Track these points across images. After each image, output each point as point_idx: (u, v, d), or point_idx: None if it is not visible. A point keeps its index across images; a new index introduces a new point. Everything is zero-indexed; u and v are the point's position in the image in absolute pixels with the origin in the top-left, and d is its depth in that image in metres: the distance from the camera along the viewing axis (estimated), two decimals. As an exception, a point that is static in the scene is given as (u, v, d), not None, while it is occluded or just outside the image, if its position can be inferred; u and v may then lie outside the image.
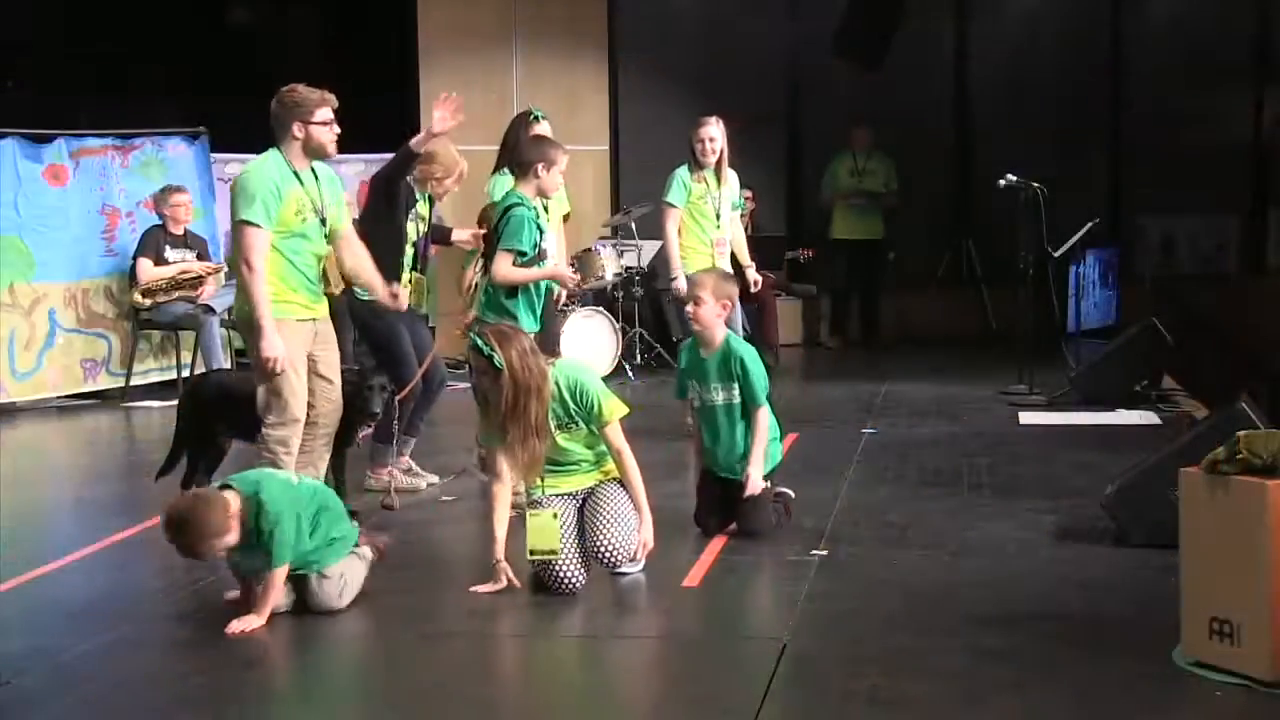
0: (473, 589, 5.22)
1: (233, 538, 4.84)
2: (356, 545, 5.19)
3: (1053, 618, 4.78)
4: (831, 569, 5.47)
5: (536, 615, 5.05)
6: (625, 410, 5.38)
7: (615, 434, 5.33)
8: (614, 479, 5.40)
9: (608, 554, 5.28)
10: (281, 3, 14.00)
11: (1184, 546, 4.28)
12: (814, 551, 5.69)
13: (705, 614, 5.11)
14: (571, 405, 5.24)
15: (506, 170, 7.23)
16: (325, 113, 5.84)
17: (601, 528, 5.26)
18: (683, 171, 8.13)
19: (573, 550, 5.21)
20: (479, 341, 5.15)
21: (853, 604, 5.05)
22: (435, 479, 7.18)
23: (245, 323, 5.85)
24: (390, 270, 6.61)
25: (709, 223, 8.14)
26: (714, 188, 8.14)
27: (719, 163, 8.12)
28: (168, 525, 4.84)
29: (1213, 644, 4.14)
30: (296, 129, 5.81)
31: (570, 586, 5.17)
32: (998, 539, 5.81)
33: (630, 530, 5.29)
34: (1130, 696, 4.06)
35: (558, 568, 5.16)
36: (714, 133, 8.05)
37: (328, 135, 5.85)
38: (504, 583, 5.22)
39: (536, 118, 7.49)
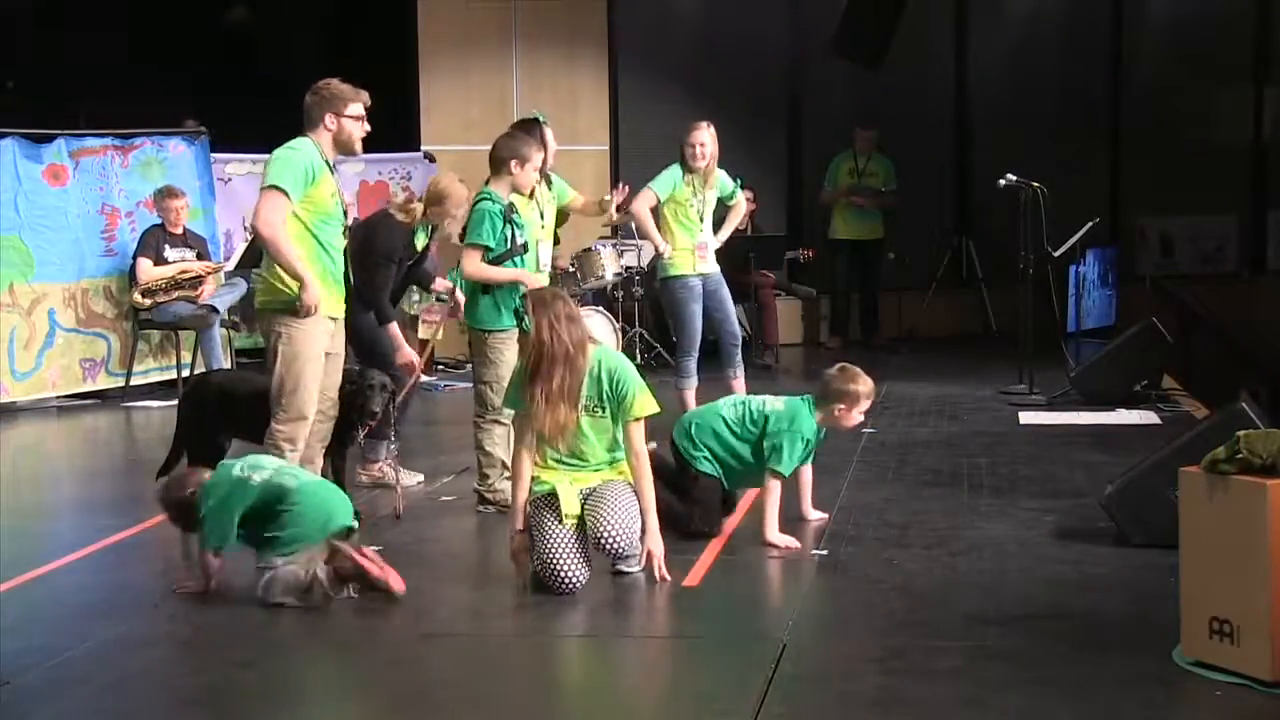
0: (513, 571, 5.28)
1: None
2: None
3: (1053, 618, 4.78)
4: (831, 569, 5.47)
5: (536, 615, 5.04)
6: (656, 409, 5.41)
7: (638, 434, 5.34)
8: (620, 477, 5.40)
9: (610, 541, 5.23)
10: (281, 3, 14.00)
11: (1184, 546, 4.28)
12: (814, 551, 5.69)
13: (705, 614, 5.10)
14: (605, 388, 5.27)
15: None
16: (357, 108, 5.91)
17: (604, 516, 5.24)
18: (676, 169, 8.16)
19: (574, 549, 5.21)
20: (518, 303, 5.29)
21: (853, 604, 5.06)
22: (421, 477, 7.20)
23: (272, 308, 5.87)
24: (385, 300, 6.97)
25: (694, 225, 8.17)
26: (700, 191, 8.16)
27: (707, 167, 8.14)
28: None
29: (1213, 644, 4.14)
30: (329, 120, 5.86)
31: (570, 586, 5.16)
32: (998, 539, 5.81)
33: (634, 520, 5.28)
34: (1130, 696, 4.05)
35: (558, 566, 5.15)
36: (704, 138, 8.07)
37: (357, 130, 5.91)
38: (522, 553, 5.24)
39: (540, 121, 7.47)
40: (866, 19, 11.72)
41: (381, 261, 6.96)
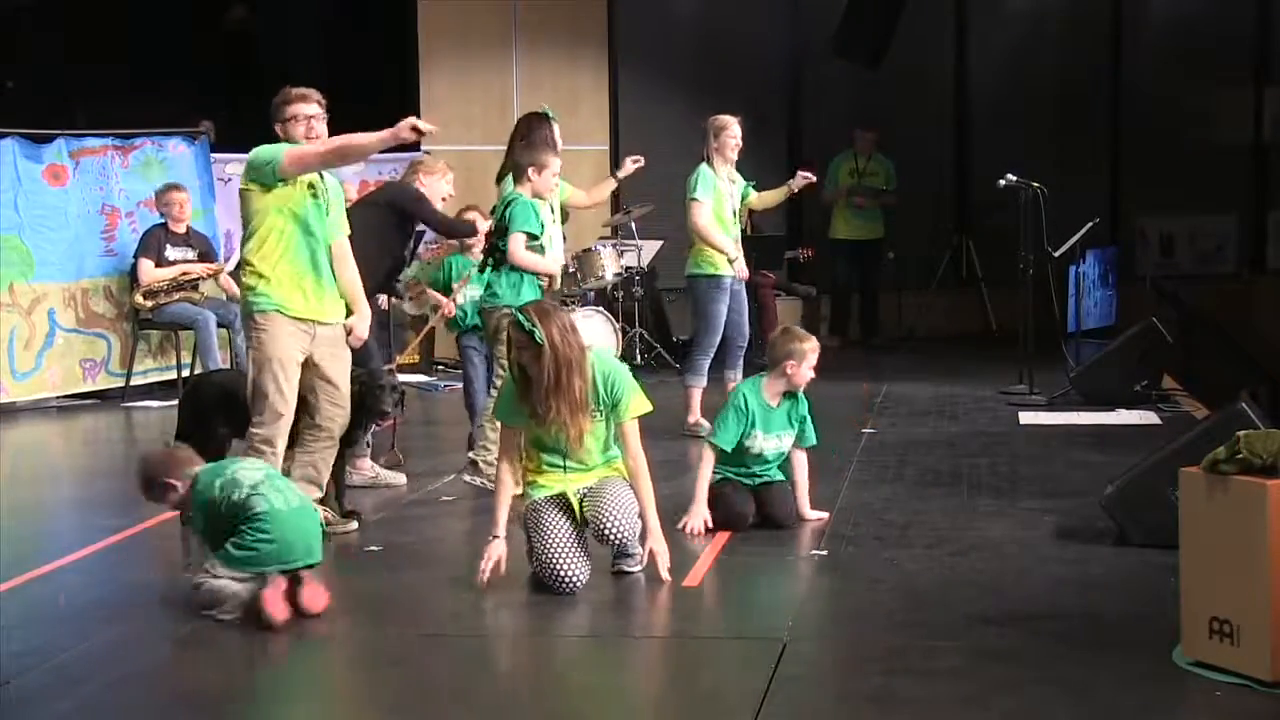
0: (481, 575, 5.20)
1: (173, 497, 5.14)
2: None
3: (1053, 618, 4.78)
4: (831, 569, 5.48)
5: (536, 615, 5.04)
6: (649, 408, 5.41)
7: (634, 434, 5.34)
8: (617, 474, 5.40)
9: (613, 530, 5.22)
10: (281, 3, 14.00)
11: (1184, 546, 4.28)
12: (814, 551, 5.70)
13: (705, 614, 5.11)
14: (602, 392, 5.27)
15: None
16: (297, 109, 5.81)
17: (604, 507, 5.23)
18: (708, 170, 8.13)
19: (574, 548, 5.21)
20: (520, 317, 5.19)
21: (853, 604, 5.06)
22: (404, 479, 7.21)
23: (245, 312, 5.93)
24: (382, 280, 7.01)
25: (731, 222, 8.18)
26: (730, 186, 8.17)
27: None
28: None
29: (1213, 644, 4.14)
30: (278, 129, 5.84)
31: (571, 586, 5.16)
32: (998, 539, 5.81)
33: (633, 510, 5.27)
34: (1130, 696, 4.05)
35: (558, 566, 5.15)
36: (739, 130, 8.12)
37: (299, 131, 5.79)
38: (495, 557, 5.19)
39: (549, 116, 7.51)
40: (866, 19, 11.73)
41: (414, 199, 7.19)
